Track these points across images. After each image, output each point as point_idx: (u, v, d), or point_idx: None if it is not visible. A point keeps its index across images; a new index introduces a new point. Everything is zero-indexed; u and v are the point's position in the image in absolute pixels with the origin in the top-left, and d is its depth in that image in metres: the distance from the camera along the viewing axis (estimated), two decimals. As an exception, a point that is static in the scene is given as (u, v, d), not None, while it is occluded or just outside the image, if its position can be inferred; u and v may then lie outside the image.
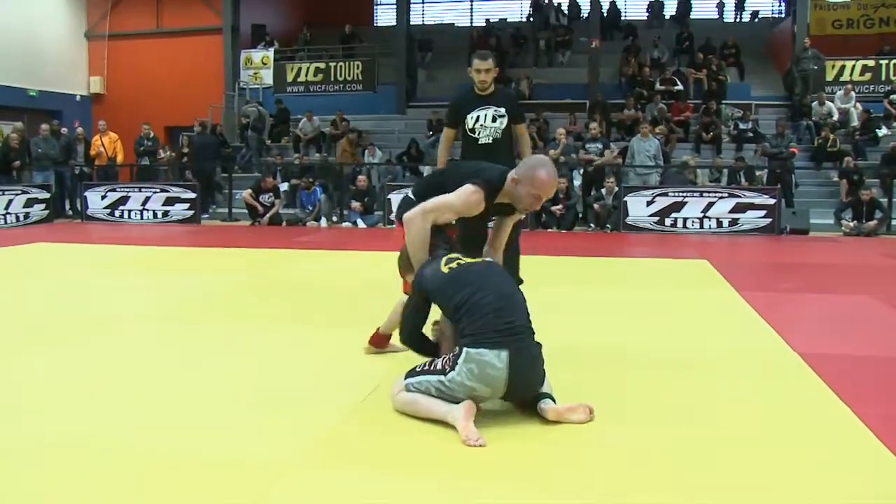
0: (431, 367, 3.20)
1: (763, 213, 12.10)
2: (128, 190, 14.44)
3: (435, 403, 3.13)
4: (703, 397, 3.57)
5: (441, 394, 3.13)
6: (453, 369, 3.09)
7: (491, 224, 3.97)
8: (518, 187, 3.47)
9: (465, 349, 3.08)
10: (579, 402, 3.16)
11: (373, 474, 2.66)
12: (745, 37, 19.42)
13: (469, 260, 3.36)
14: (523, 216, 3.94)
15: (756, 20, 22.22)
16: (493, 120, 5.22)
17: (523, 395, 3.18)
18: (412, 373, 3.26)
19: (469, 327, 3.11)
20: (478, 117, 5.22)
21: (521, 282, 5.46)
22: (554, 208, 12.50)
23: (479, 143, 5.24)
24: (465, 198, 3.50)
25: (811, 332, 5.08)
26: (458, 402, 3.06)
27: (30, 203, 13.53)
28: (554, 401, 3.16)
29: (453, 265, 3.31)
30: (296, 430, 3.05)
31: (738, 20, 22.35)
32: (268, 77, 19.23)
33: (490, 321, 3.10)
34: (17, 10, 18.10)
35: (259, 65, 19.35)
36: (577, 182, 13.64)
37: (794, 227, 12.06)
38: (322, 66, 18.87)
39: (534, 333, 3.19)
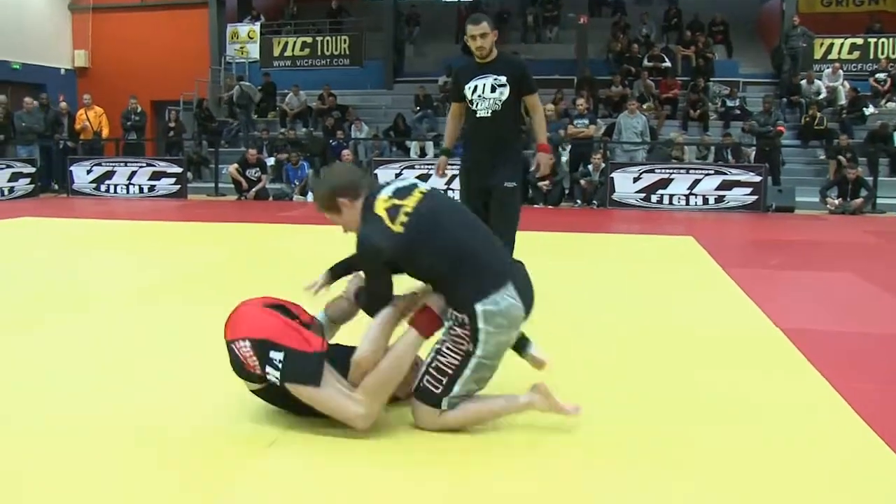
0: (450, 365, 2.77)
1: (749, 190, 12.14)
2: (114, 164, 14.35)
3: (496, 403, 2.85)
4: (684, 372, 3.61)
5: (482, 376, 2.80)
6: (477, 339, 2.73)
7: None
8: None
9: (477, 309, 2.71)
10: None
11: (348, 459, 2.69)
12: (733, 14, 19.36)
13: (411, 202, 2.86)
14: None
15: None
16: (493, 90, 4.64)
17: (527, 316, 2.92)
18: (436, 389, 2.79)
19: (466, 281, 2.76)
20: (475, 87, 4.68)
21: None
22: (541, 184, 12.51)
23: (478, 116, 4.71)
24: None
25: (794, 308, 5.13)
26: (495, 366, 2.82)
27: (15, 177, 13.43)
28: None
29: (403, 218, 2.80)
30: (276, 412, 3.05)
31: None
32: (254, 51, 19.06)
33: (484, 262, 2.81)
34: (0, -19, 17.86)
35: (245, 39, 19.17)
36: (564, 158, 13.64)
37: (780, 204, 12.12)
38: (309, 40, 18.73)
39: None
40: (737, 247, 8.64)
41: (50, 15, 19.62)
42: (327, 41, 18.55)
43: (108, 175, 14.21)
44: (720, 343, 4.14)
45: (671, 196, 12.37)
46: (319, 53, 18.59)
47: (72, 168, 14.35)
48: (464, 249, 2.81)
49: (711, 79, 16.79)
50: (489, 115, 4.67)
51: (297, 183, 13.56)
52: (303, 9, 20.61)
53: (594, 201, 12.59)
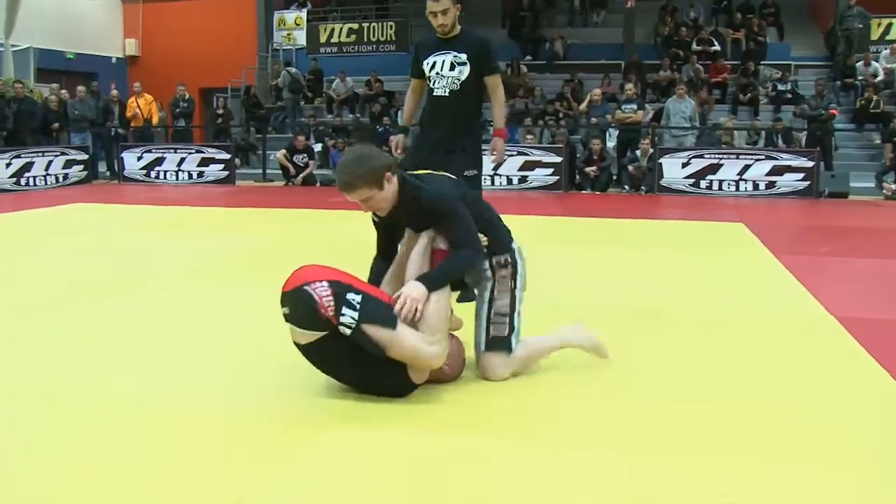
0: (505, 305, 3.13)
1: (801, 175, 11.88)
2: (163, 151, 14.55)
3: (547, 341, 3.27)
4: (736, 357, 3.56)
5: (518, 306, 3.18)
6: (516, 274, 3.16)
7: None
8: None
9: (514, 247, 3.20)
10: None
11: (406, 430, 2.70)
12: (785, -5, 18.98)
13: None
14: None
15: (798, -22, 21.68)
16: (451, 68, 4.38)
17: None
18: (503, 332, 3.12)
19: (500, 225, 3.23)
20: (434, 63, 4.42)
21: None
22: (588, 170, 12.42)
23: (435, 94, 4.46)
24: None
25: (849, 296, 5.01)
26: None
27: (68, 164, 13.67)
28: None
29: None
30: (328, 388, 3.08)
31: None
32: (301, 38, 19.18)
33: (497, 213, 3.31)
34: (54, -28, 18.20)
35: (292, 26, 19.29)
36: (612, 144, 13.50)
37: (833, 190, 11.84)
38: (355, 26, 18.79)
39: None
40: (789, 233, 8.47)
41: (102, 5, 19.97)
42: (373, 27, 18.60)
43: (158, 161, 14.41)
44: (773, 330, 4.07)
45: (721, 182, 12.16)
46: (366, 39, 18.63)
47: (123, 155, 14.58)
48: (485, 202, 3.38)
49: (762, 62, 16.48)
50: (446, 94, 4.43)
51: (344, 169, 13.61)
52: (349, -5, 20.67)
53: (642, 187, 12.45)
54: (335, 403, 2.91)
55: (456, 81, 4.40)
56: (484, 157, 4.74)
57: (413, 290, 2.88)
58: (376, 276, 3.24)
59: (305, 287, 2.76)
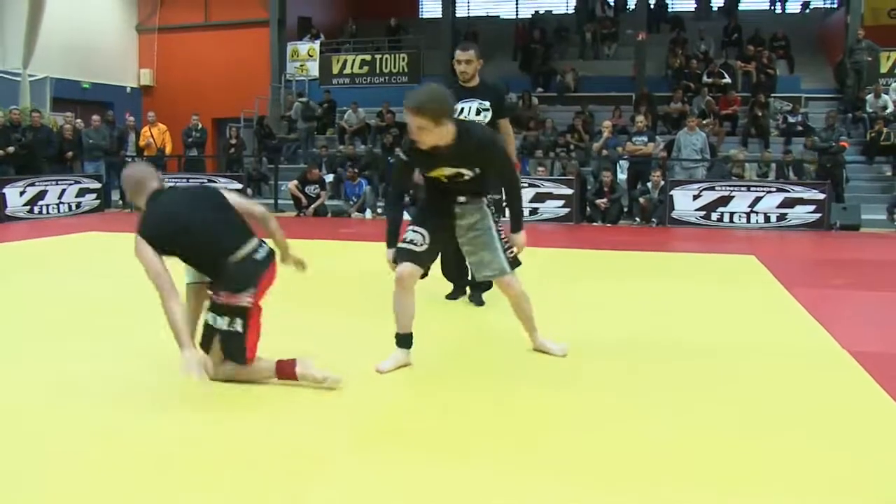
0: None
1: (812, 208, 11.89)
2: (176, 180, 14.62)
3: None
4: (748, 390, 3.54)
5: None
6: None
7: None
8: None
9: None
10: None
11: (418, 457, 2.70)
12: (795, 29, 19.07)
13: None
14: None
15: (807, 11, 21.82)
16: (478, 113, 5.06)
17: None
18: (513, 256, 3.98)
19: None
20: (461, 109, 5.01)
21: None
22: (599, 202, 12.44)
23: None
24: None
25: (861, 330, 4.99)
26: None
27: (82, 193, 13.79)
28: None
29: None
30: (342, 415, 3.08)
31: (784, 11, 21.94)
32: (314, 69, 19.37)
33: None
34: (73, 4, 18.42)
35: (305, 57, 19.48)
36: (623, 176, 13.53)
37: (845, 222, 11.83)
38: (367, 58, 18.95)
39: None
40: (800, 266, 8.45)
41: (118, 36, 20.24)
42: (386, 59, 18.75)
43: (171, 191, 14.47)
44: (785, 364, 4.05)
45: (732, 214, 12.18)
46: (378, 71, 18.78)
47: (136, 184, 14.64)
48: None
49: (773, 94, 16.53)
50: None
51: (355, 199, 13.67)
52: (362, 27, 20.89)
53: (653, 219, 12.46)
54: (351, 417, 2.92)
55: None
56: None
57: (520, 238, 3.97)
58: (395, 225, 4.09)
59: None
